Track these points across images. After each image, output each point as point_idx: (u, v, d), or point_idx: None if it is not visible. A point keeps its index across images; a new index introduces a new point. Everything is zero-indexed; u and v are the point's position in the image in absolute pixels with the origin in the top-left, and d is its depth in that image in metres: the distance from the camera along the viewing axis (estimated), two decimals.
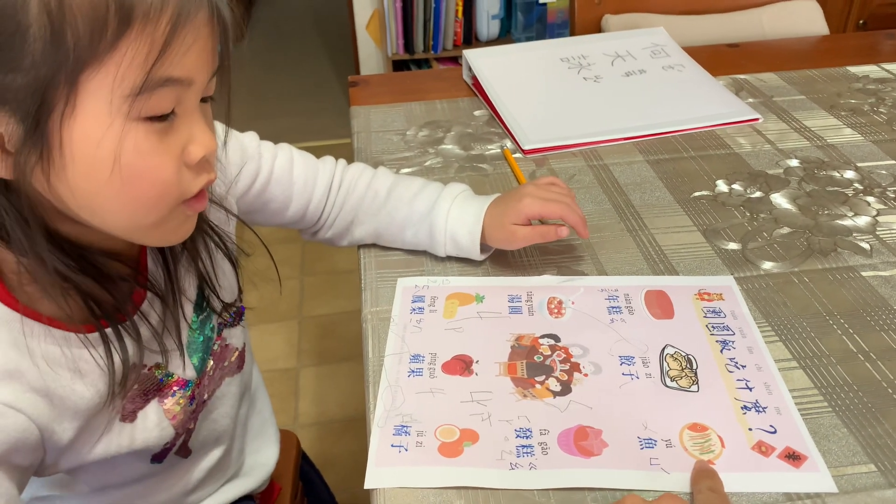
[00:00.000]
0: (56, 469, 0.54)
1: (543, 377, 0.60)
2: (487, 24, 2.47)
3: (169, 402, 0.57)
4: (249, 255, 0.65)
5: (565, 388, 0.59)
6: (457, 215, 0.69)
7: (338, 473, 1.33)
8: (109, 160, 0.43)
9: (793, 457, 0.53)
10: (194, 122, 0.47)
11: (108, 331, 0.51)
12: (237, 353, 0.67)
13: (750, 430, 0.55)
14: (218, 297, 0.62)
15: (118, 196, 0.45)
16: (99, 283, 0.50)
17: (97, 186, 0.44)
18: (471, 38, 2.51)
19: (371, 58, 2.66)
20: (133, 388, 0.55)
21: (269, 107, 2.92)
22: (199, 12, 0.44)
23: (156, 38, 0.42)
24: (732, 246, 0.74)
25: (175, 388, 0.58)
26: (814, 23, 1.32)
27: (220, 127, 0.66)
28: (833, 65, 1.13)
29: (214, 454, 0.67)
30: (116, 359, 0.51)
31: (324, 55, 3.36)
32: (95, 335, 0.51)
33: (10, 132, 0.42)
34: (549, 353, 0.62)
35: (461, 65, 1.11)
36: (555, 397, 0.58)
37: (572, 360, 0.61)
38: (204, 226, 0.59)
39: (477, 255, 0.70)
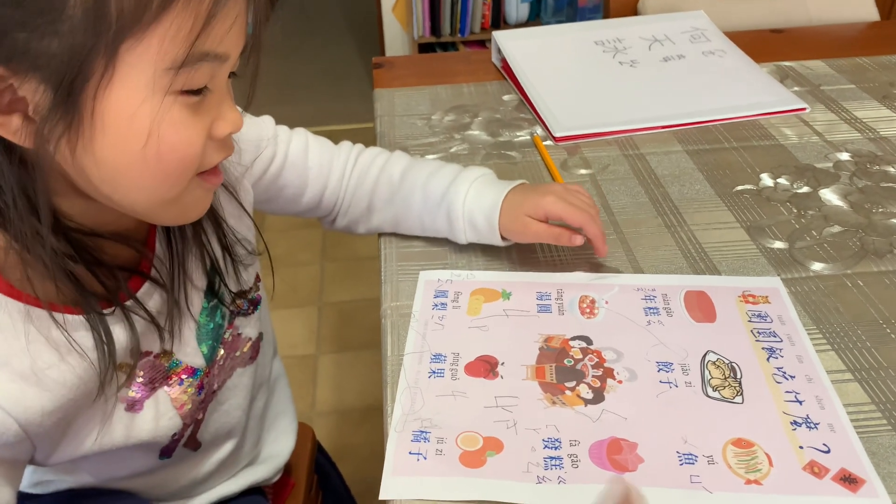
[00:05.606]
0: (57, 459, 0.51)
1: (574, 383, 0.55)
2: (517, 6, 2.42)
3: (176, 390, 0.56)
4: (260, 254, 0.63)
5: (598, 396, 0.54)
6: (474, 199, 0.65)
7: (354, 463, 1.31)
8: (143, 132, 0.42)
9: (849, 480, 0.48)
10: (224, 99, 0.47)
11: (96, 315, 0.48)
12: (250, 344, 0.64)
13: (801, 448, 0.50)
14: (227, 286, 0.59)
15: (145, 168, 0.43)
16: (92, 271, 0.47)
17: (127, 159, 0.43)
18: (499, 21, 2.46)
19: (397, 41, 2.62)
20: (138, 376, 0.53)
21: (292, 90, 2.88)
22: None
23: (200, 12, 0.41)
24: (779, 245, 0.69)
25: (183, 377, 0.56)
26: (863, 8, 1.25)
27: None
28: (885, 52, 1.06)
29: (226, 447, 0.65)
30: (112, 343, 0.49)
31: (349, 39, 3.31)
32: (82, 318, 0.48)
33: (37, 100, 0.40)
34: (581, 356, 0.58)
35: (489, 48, 1.07)
36: (586, 405, 0.54)
37: (605, 364, 0.57)
38: (215, 215, 0.57)
39: (498, 240, 0.66)
